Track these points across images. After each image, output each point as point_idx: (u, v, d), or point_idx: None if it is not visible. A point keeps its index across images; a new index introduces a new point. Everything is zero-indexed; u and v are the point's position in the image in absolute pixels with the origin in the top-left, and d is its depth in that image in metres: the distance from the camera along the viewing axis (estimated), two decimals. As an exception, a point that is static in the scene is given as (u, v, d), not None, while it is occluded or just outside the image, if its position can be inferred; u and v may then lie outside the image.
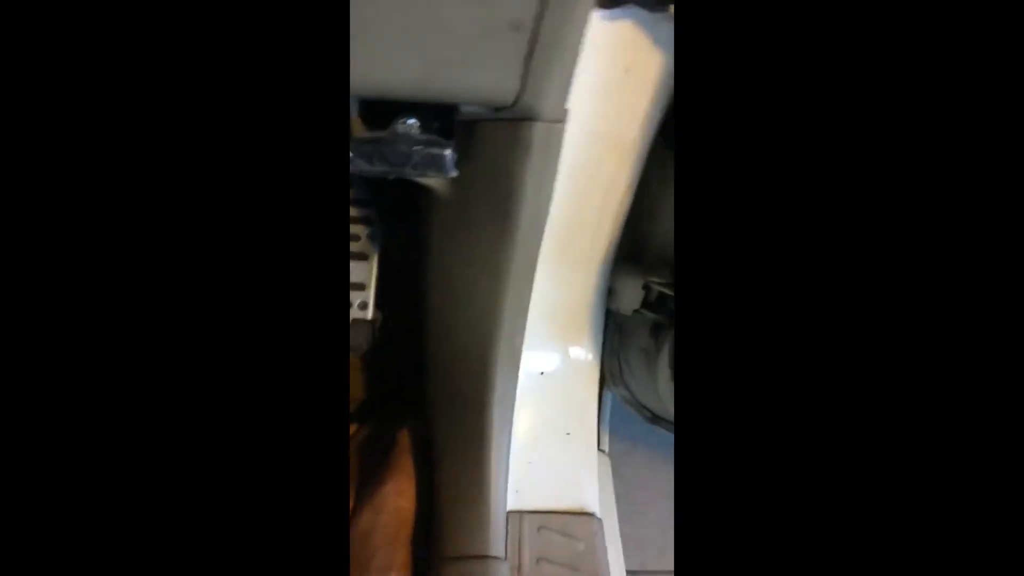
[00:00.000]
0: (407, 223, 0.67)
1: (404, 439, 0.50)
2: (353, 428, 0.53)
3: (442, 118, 0.36)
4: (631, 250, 0.53)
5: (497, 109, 0.31)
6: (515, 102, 0.28)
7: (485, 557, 0.40)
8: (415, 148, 0.34)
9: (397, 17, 0.22)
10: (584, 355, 0.56)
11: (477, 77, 0.26)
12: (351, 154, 0.35)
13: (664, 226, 0.52)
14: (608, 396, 0.61)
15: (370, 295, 0.56)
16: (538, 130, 0.33)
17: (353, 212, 0.59)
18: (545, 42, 0.23)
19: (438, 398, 0.48)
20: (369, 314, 0.55)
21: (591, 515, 0.46)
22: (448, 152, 0.35)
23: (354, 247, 0.58)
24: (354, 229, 0.58)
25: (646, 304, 0.55)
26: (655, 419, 0.64)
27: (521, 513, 0.44)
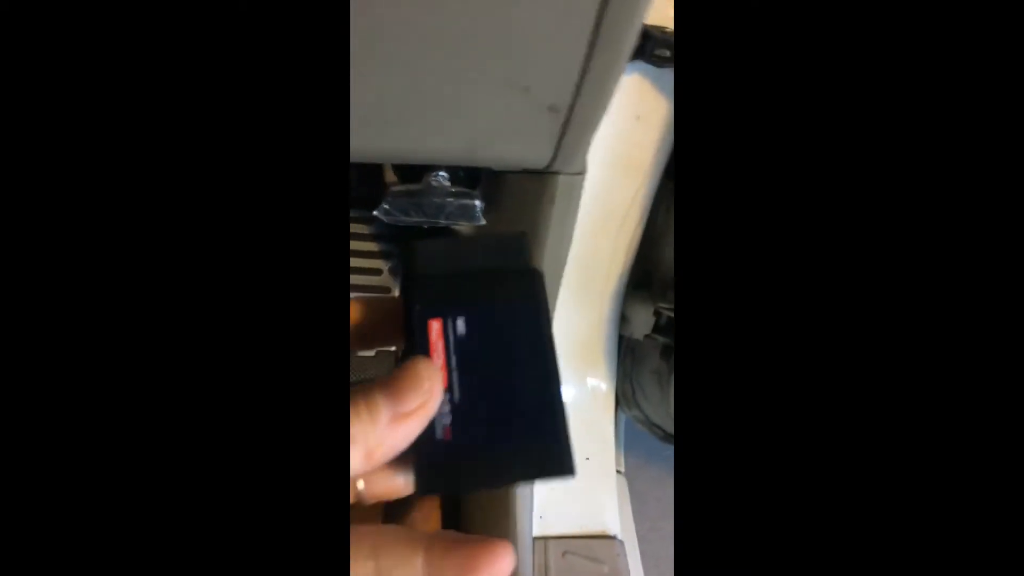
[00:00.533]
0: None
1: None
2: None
3: (468, 169, 0.39)
4: (641, 279, 0.56)
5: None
6: (546, 167, 0.31)
7: (515, 582, 0.42)
8: (448, 200, 0.37)
9: (449, 101, 0.25)
10: (600, 382, 0.58)
11: (515, 149, 0.28)
12: (387, 206, 0.37)
13: (670, 255, 0.55)
14: (622, 418, 0.64)
15: (392, 327, 0.58)
16: (561, 182, 0.36)
17: (374, 247, 0.61)
18: (578, 120, 0.26)
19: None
20: (391, 345, 0.57)
21: (613, 538, 0.48)
22: (478, 202, 0.37)
23: (375, 281, 0.60)
24: (375, 263, 0.60)
25: (656, 328, 0.58)
26: (667, 437, 0.66)
27: (546, 539, 0.46)
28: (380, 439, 0.18)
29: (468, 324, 0.23)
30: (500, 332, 0.23)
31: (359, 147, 0.28)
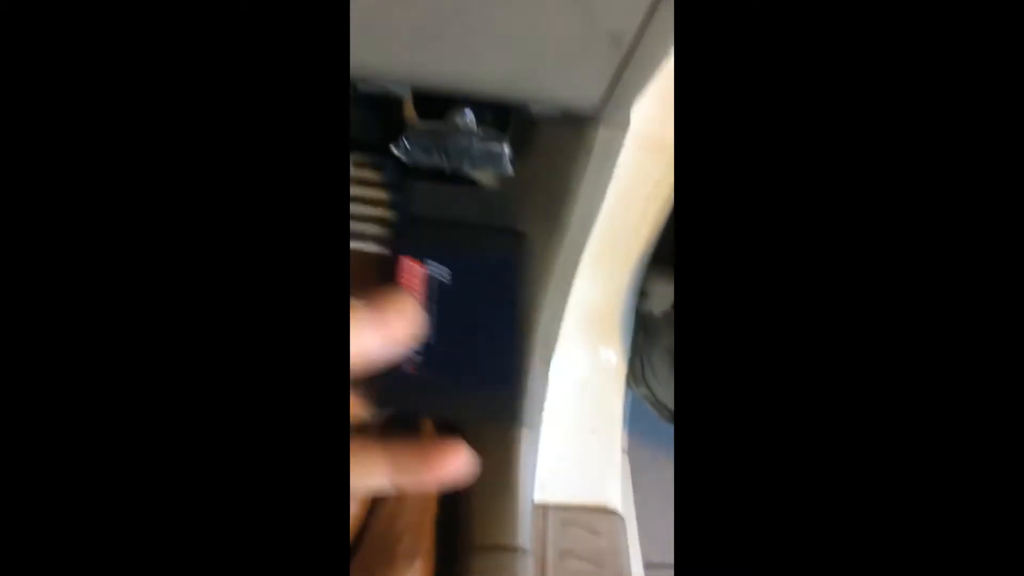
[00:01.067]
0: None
1: (429, 425, 0.51)
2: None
3: (496, 110, 0.36)
4: (665, 252, 0.53)
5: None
6: (594, 112, 0.28)
7: (513, 548, 0.41)
8: (474, 142, 0.34)
9: (493, 16, 0.22)
10: (613, 355, 0.56)
11: (563, 84, 0.25)
12: (407, 144, 0.34)
13: (698, 229, 0.52)
14: (628, 395, 0.62)
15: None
16: (601, 135, 0.33)
17: (383, 195, 0.58)
18: (640, 56, 0.23)
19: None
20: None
21: (614, 512, 0.47)
22: (506, 149, 0.34)
23: (379, 231, 0.57)
24: (382, 213, 0.57)
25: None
26: (673, 417, 0.65)
27: (546, 507, 0.45)
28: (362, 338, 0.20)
29: (450, 273, 0.24)
30: (476, 286, 0.24)
31: (379, 64, 0.25)
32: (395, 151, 0.34)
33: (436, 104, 0.35)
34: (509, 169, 0.35)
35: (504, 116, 0.36)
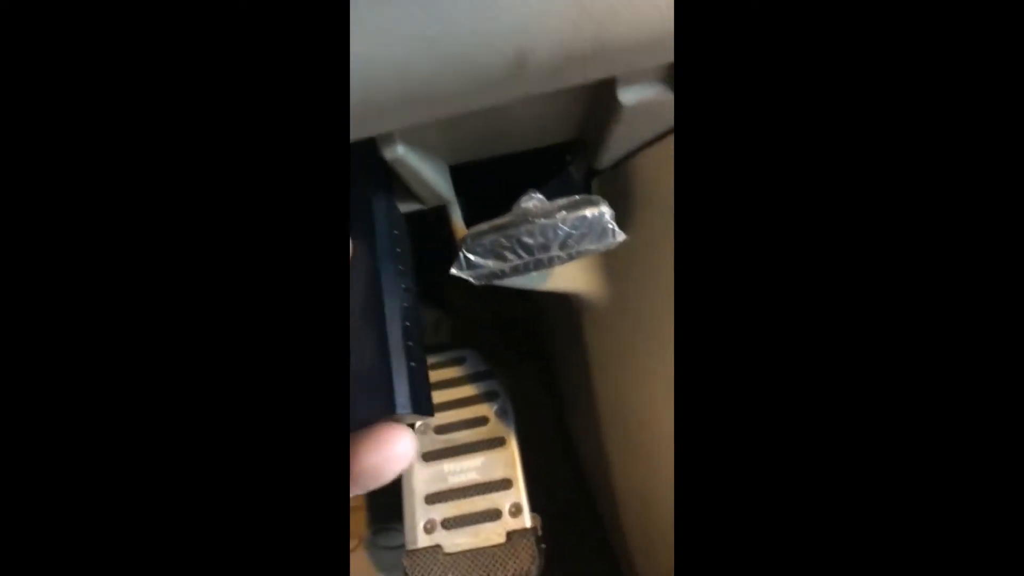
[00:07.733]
0: (543, 384, 0.54)
1: None
2: None
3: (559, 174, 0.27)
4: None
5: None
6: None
7: None
8: (562, 215, 0.23)
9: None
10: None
11: None
12: (469, 254, 0.24)
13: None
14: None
15: (521, 494, 0.40)
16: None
17: (472, 390, 0.47)
18: None
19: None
20: (526, 519, 0.38)
21: None
22: (606, 210, 0.23)
23: (484, 434, 0.44)
24: (480, 411, 0.45)
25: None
26: None
27: None
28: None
29: None
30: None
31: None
32: (455, 271, 0.24)
33: (488, 206, 0.26)
34: (619, 235, 0.24)
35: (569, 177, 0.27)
